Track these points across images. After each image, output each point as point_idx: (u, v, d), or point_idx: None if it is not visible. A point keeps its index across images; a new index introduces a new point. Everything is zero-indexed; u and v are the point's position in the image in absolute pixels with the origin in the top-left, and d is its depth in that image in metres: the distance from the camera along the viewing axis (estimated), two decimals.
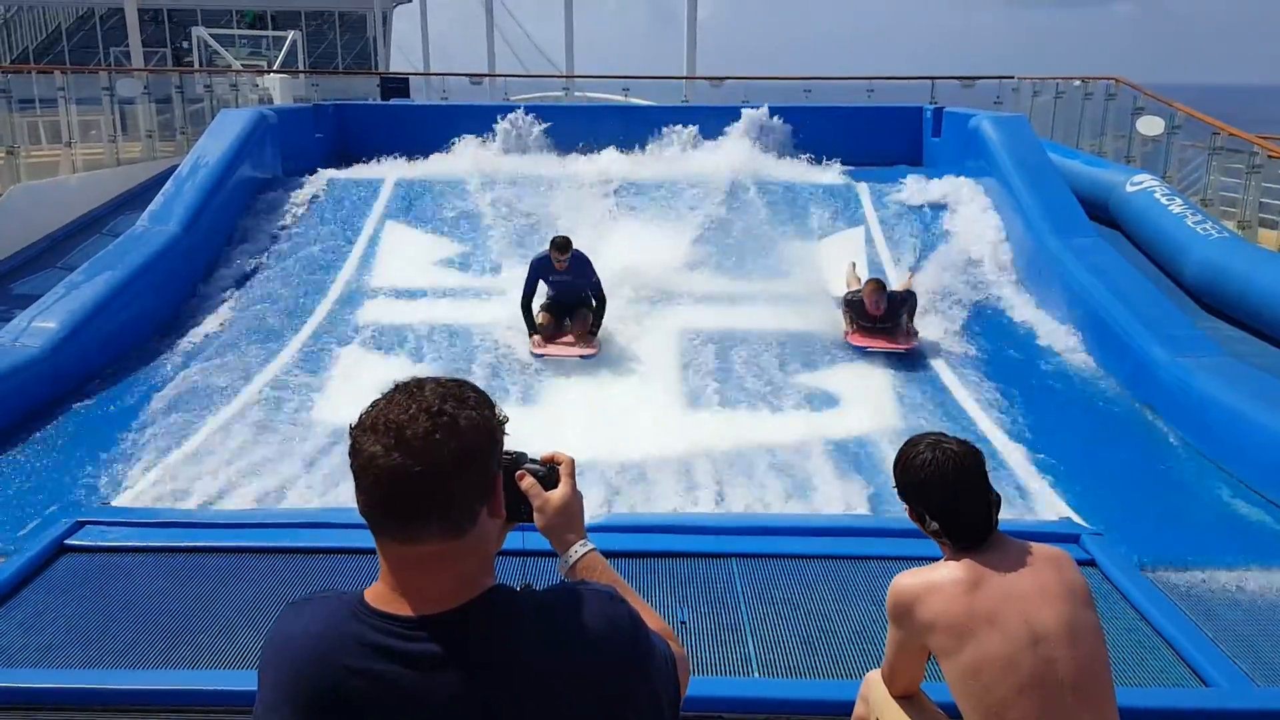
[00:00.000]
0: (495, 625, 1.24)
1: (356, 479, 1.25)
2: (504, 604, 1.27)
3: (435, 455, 1.21)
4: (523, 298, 8.15)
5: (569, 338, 8.15)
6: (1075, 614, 2.15)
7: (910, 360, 7.85)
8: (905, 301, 8.06)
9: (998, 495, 2.25)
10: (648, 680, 1.30)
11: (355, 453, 1.24)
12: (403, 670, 1.21)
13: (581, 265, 8.14)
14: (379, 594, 1.27)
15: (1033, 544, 2.26)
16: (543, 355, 7.98)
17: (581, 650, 1.25)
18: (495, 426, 1.29)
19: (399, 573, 1.26)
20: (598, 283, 8.15)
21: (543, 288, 8.32)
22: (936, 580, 2.21)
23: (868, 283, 8.07)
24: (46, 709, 3.29)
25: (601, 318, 8.18)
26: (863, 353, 7.97)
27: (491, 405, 1.31)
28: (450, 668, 1.21)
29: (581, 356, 7.95)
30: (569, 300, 8.33)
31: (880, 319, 7.95)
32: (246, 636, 3.76)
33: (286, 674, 1.24)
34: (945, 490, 2.19)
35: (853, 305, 8.09)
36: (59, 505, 5.40)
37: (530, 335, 8.12)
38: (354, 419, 1.27)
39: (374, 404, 1.27)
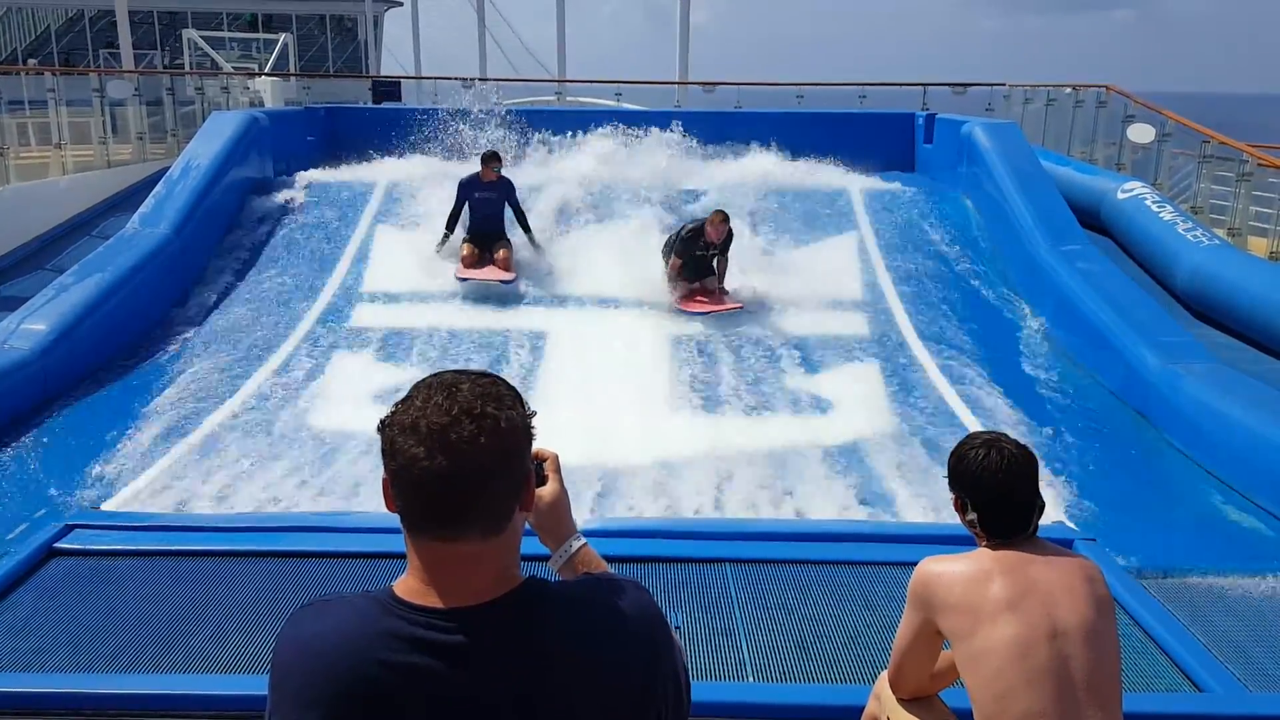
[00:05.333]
0: (533, 616, 1.25)
1: (394, 479, 1.23)
2: (540, 595, 1.27)
3: (479, 459, 1.21)
4: (450, 213, 9.36)
5: (490, 268, 9.12)
6: (1097, 621, 2.16)
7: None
8: (731, 238, 8.77)
9: (1043, 500, 2.29)
10: (672, 661, 1.34)
11: (393, 454, 1.22)
12: (441, 663, 1.20)
13: (506, 185, 9.34)
14: (411, 588, 1.25)
15: (1069, 552, 2.29)
16: (466, 279, 8.97)
17: (617, 638, 1.28)
18: (528, 423, 1.31)
19: (434, 569, 1.24)
20: (519, 204, 9.41)
21: (466, 214, 9.34)
22: (963, 563, 2.25)
23: (714, 212, 8.70)
24: (36, 714, 3.25)
25: (530, 229, 9.51)
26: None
27: (523, 401, 1.31)
28: (490, 659, 1.20)
29: (502, 282, 8.98)
30: (490, 228, 9.35)
31: (716, 247, 8.67)
32: (238, 641, 3.74)
33: (318, 676, 1.20)
34: (994, 485, 2.24)
35: (694, 236, 8.60)
36: (48, 509, 5.36)
37: (441, 243, 9.38)
38: (385, 417, 1.25)
39: (409, 403, 1.25)
